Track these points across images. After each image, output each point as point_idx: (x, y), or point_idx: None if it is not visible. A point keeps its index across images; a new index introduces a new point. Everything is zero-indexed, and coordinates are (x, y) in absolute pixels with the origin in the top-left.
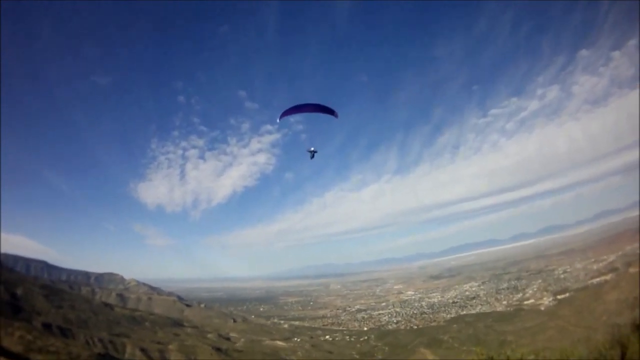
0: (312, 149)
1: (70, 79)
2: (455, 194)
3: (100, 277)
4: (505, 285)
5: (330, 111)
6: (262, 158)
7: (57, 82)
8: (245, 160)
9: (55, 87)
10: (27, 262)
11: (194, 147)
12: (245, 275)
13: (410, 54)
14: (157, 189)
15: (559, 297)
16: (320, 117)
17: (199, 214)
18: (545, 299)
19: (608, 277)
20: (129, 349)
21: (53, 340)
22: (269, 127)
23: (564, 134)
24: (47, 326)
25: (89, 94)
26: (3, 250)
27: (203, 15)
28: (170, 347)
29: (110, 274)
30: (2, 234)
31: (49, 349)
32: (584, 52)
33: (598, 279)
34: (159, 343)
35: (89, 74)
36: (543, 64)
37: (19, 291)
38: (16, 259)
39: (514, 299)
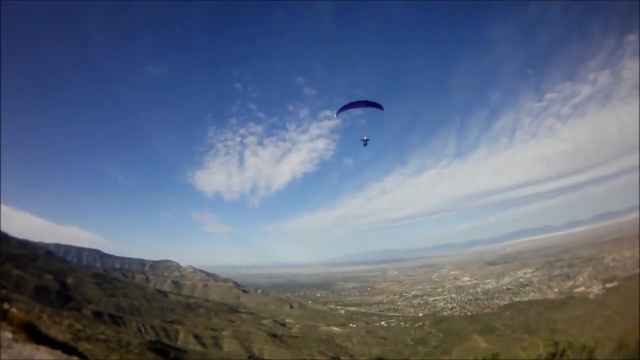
0: (365, 137)
1: (124, 70)
2: (513, 179)
3: (155, 265)
4: (557, 272)
5: (377, 105)
6: (321, 144)
7: (111, 74)
8: (305, 146)
9: (108, 78)
10: (79, 251)
11: (252, 133)
12: (303, 261)
13: (466, 36)
14: (214, 176)
15: (607, 285)
16: (379, 101)
17: (258, 201)
18: (594, 287)
19: None
20: (181, 336)
21: (103, 328)
22: (327, 112)
23: (616, 120)
24: (97, 314)
25: (144, 84)
26: (56, 241)
27: (257, 2)
28: (224, 333)
29: (166, 261)
30: (57, 226)
31: (98, 337)
32: (631, 37)
33: None
34: (213, 329)
35: (143, 65)
36: (593, 48)
37: (69, 280)
38: (68, 249)
39: (565, 286)
